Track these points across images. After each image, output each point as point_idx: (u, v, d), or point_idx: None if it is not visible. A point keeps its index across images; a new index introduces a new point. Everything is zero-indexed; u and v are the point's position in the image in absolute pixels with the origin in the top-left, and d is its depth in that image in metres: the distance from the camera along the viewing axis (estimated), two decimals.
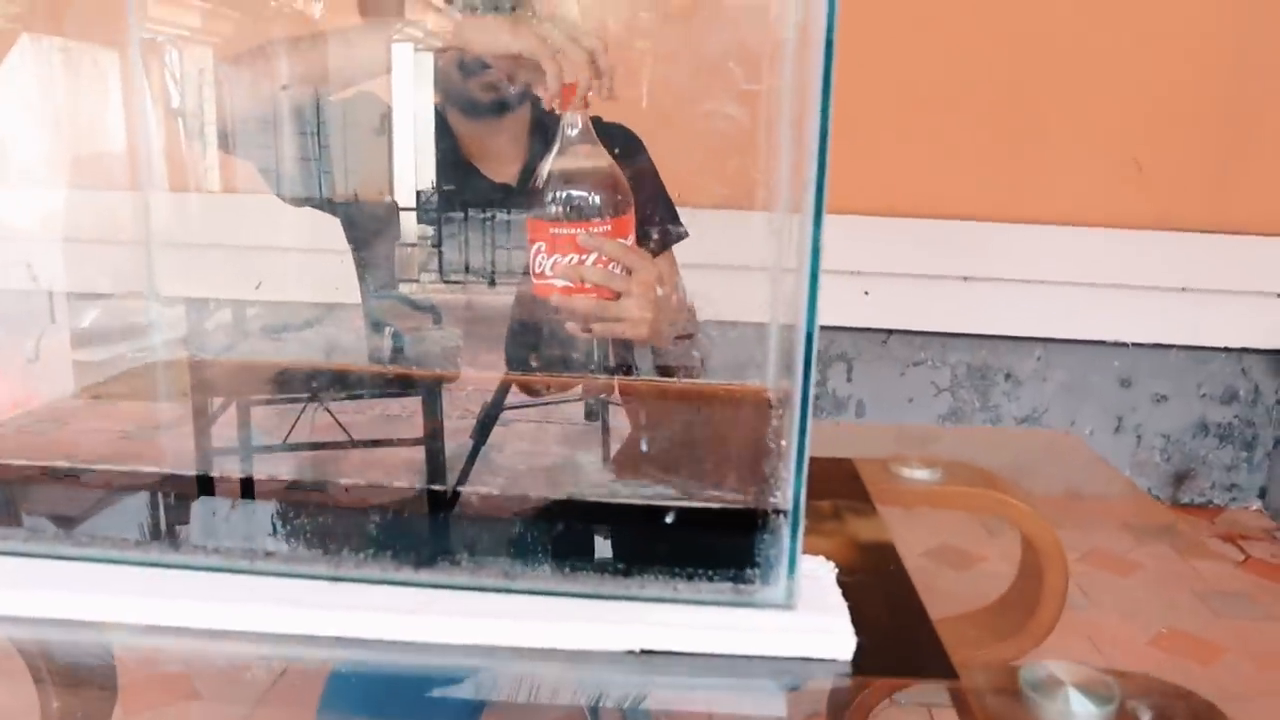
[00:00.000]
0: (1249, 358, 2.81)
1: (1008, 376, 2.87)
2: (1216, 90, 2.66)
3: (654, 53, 1.01)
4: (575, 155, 0.91)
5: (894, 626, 0.63)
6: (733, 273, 0.94)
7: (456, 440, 1.33)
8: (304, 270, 1.39)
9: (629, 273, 0.92)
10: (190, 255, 1.21)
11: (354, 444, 1.00)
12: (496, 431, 0.98)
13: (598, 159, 0.92)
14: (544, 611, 0.60)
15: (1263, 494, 2.93)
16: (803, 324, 0.54)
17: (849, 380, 2.88)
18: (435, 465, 0.88)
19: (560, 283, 0.90)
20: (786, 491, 0.59)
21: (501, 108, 1.10)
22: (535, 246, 0.91)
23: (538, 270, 0.91)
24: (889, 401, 2.89)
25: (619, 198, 0.92)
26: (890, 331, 2.83)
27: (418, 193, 1.10)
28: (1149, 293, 2.70)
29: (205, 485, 0.66)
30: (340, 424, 1.02)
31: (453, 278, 1.10)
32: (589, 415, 1.05)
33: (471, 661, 0.59)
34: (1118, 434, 2.89)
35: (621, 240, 0.92)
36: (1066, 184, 2.71)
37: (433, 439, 0.97)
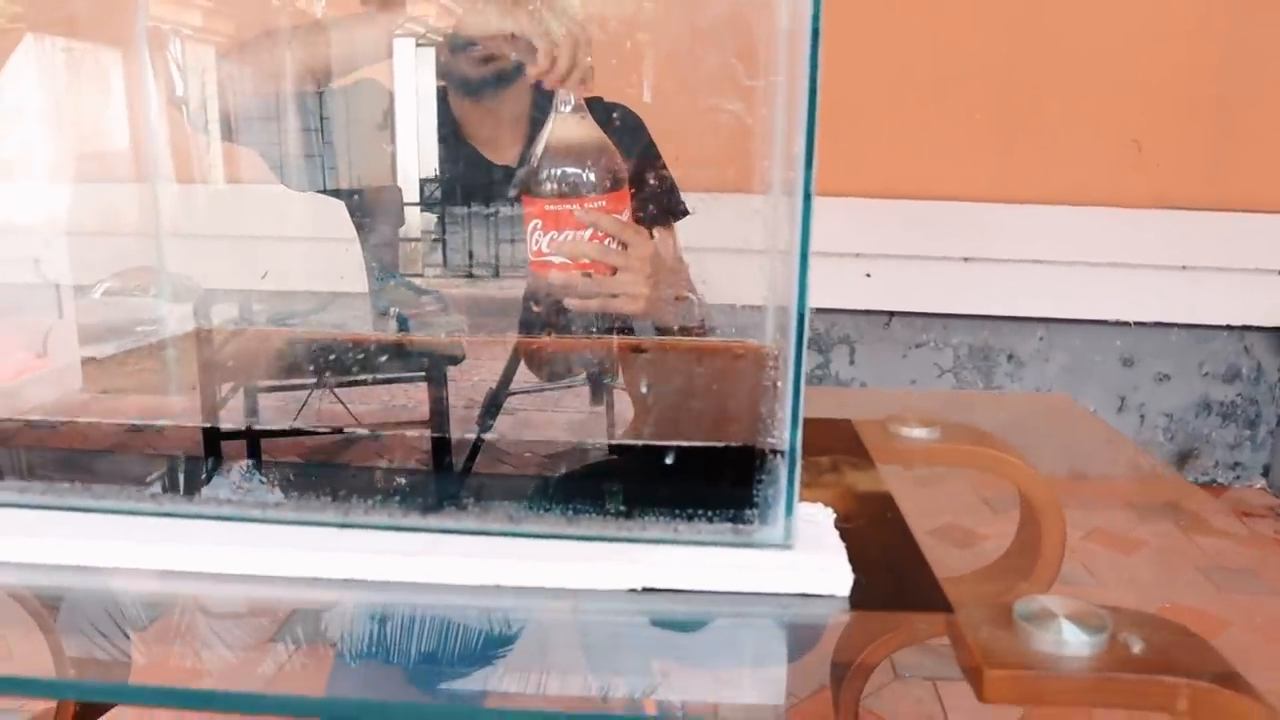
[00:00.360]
0: (1251, 335, 2.82)
1: (1010, 357, 2.88)
2: (1214, 69, 2.66)
3: (653, 39, 1.02)
4: (570, 131, 0.91)
5: (890, 565, 0.65)
6: (733, 255, 0.95)
7: (461, 429, 1.34)
8: (310, 259, 1.40)
9: (625, 248, 0.92)
10: (196, 246, 1.23)
11: (361, 427, 1.02)
12: (501, 420, 0.99)
13: (592, 135, 0.92)
14: (548, 553, 0.62)
15: (1266, 472, 2.94)
16: (796, 253, 0.55)
17: (852, 363, 2.89)
18: (440, 444, 0.90)
19: (557, 259, 0.91)
20: (783, 434, 0.60)
21: (498, 82, 1.11)
22: (532, 224, 0.91)
23: (535, 247, 0.91)
24: (892, 383, 2.90)
25: (614, 173, 0.92)
26: (892, 313, 2.84)
27: (421, 182, 1.11)
28: (1150, 272, 2.71)
29: (217, 438, 0.68)
30: (347, 409, 1.03)
31: (457, 270, 1.12)
32: (595, 399, 1.07)
33: (477, 601, 0.60)
34: (1121, 413, 2.90)
35: (617, 215, 0.92)
36: (1066, 164, 2.72)
37: (438, 423, 0.98)
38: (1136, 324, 2.79)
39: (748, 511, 0.62)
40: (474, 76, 1.09)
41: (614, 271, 0.92)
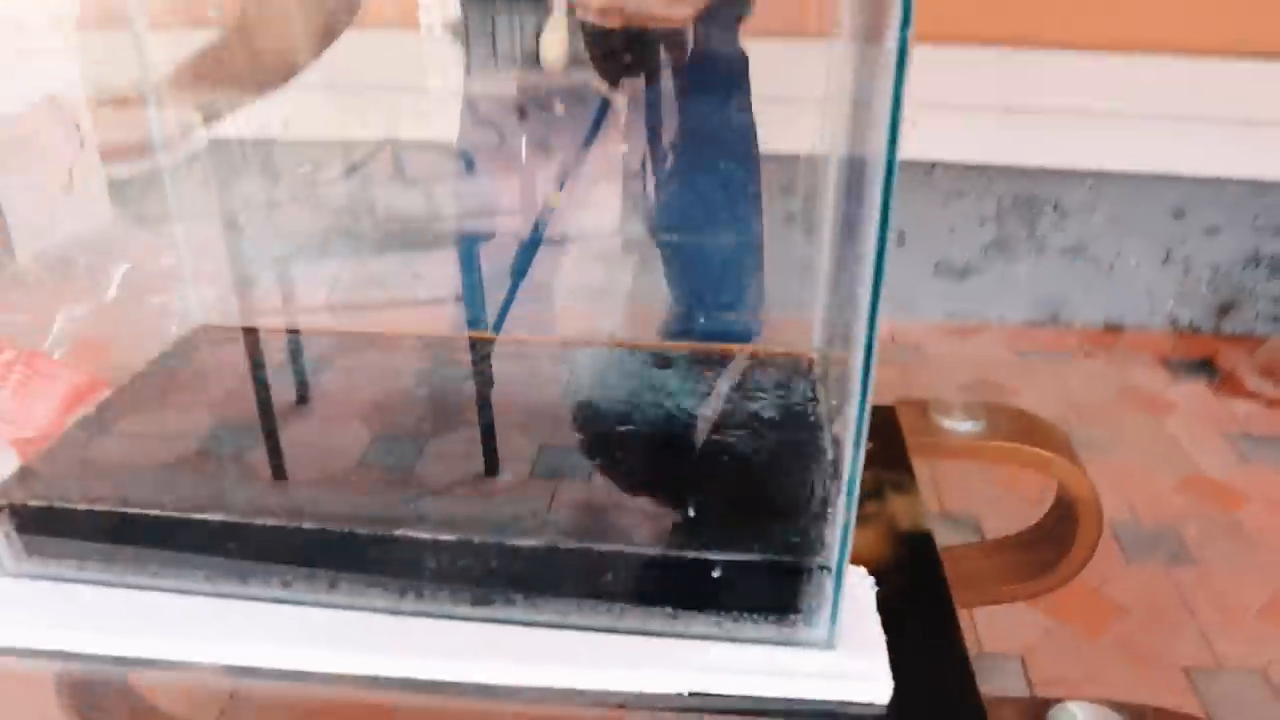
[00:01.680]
0: None
1: (1055, 207, 2.80)
2: None
3: None
4: None
5: (929, 665, 0.66)
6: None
7: (494, 295, 1.34)
8: (338, 107, 1.38)
9: None
10: None
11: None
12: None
13: None
14: (595, 654, 0.63)
15: None
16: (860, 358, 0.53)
17: None
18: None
19: None
20: (832, 555, 0.60)
21: None
22: None
23: None
24: (934, 232, 2.85)
25: None
26: (935, 164, 2.74)
27: None
28: (1209, 123, 2.58)
29: (260, 523, 0.69)
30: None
31: None
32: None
33: (529, 706, 0.62)
34: (1165, 265, 2.84)
35: None
36: (1122, 6, 2.54)
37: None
38: (1191, 178, 2.69)
39: (791, 616, 0.63)
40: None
41: None
